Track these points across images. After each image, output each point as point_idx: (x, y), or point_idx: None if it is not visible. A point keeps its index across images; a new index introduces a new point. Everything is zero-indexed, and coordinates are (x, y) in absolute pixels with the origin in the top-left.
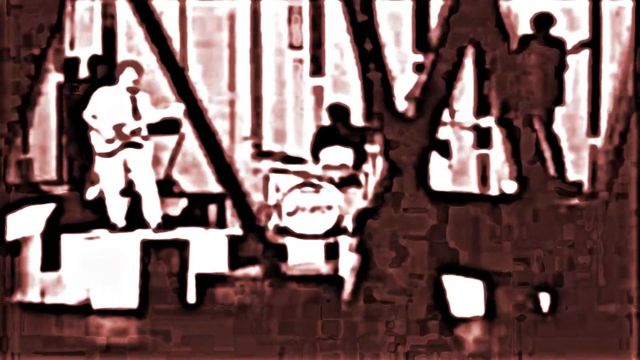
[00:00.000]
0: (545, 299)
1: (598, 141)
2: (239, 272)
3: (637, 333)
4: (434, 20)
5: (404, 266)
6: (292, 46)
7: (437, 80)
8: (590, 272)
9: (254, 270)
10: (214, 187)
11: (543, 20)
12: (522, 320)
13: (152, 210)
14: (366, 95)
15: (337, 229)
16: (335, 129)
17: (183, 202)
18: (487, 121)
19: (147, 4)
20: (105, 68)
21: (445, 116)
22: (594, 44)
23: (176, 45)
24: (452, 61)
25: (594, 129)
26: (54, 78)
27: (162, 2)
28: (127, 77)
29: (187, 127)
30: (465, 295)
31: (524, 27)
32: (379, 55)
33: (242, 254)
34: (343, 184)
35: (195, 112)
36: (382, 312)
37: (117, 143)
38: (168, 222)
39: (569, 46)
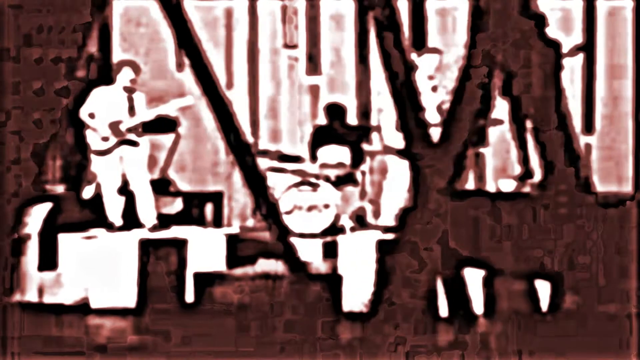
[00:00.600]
0: (545, 297)
1: (593, 139)
2: (238, 271)
3: (637, 333)
4: (431, 21)
5: (421, 268)
6: (287, 45)
7: (470, 85)
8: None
9: (253, 269)
10: (211, 186)
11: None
12: (522, 319)
13: (147, 210)
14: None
15: (335, 228)
16: (332, 128)
17: (179, 201)
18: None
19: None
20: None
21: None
22: (588, 45)
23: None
24: (485, 65)
25: (588, 127)
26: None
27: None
28: (124, 76)
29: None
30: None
31: None
32: (405, 62)
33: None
34: (340, 183)
35: (221, 110)
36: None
37: (113, 141)
38: (165, 221)
39: (564, 46)
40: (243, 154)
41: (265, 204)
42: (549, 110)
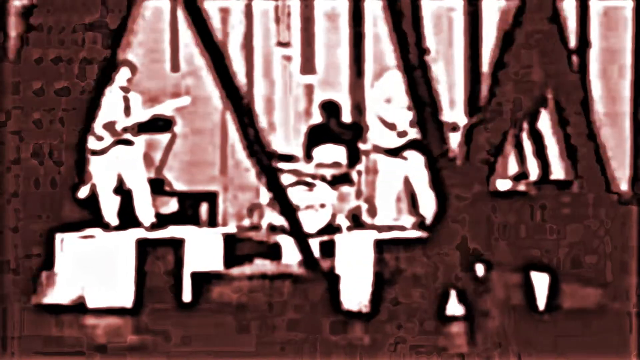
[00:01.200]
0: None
1: None
2: (235, 271)
3: (637, 332)
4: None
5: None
6: (280, 43)
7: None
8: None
9: (250, 269)
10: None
11: None
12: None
13: (145, 209)
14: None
15: (331, 227)
16: (327, 126)
17: (174, 201)
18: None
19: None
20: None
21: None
22: (582, 46)
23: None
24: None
25: None
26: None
27: (157, 1)
28: (122, 76)
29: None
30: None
31: None
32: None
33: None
34: (336, 182)
35: (241, 111)
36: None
37: (109, 140)
38: (160, 221)
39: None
40: (262, 154)
41: (281, 202)
42: (576, 110)
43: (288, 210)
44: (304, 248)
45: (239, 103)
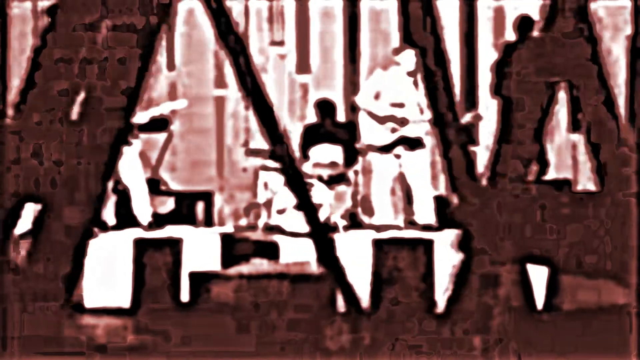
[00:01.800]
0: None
1: (579, 137)
2: (232, 270)
3: (637, 332)
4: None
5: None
6: (275, 42)
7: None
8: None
9: (247, 268)
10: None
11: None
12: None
13: (143, 208)
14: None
15: (327, 227)
16: (322, 125)
17: (171, 201)
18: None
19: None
20: None
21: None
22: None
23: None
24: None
25: (575, 126)
26: None
27: None
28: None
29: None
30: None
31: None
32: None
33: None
34: (332, 182)
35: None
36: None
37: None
38: (157, 221)
39: None
40: (284, 153)
41: (303, 201)
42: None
43: (308, 208)
44: (322, 245)
45: (264, 107)
